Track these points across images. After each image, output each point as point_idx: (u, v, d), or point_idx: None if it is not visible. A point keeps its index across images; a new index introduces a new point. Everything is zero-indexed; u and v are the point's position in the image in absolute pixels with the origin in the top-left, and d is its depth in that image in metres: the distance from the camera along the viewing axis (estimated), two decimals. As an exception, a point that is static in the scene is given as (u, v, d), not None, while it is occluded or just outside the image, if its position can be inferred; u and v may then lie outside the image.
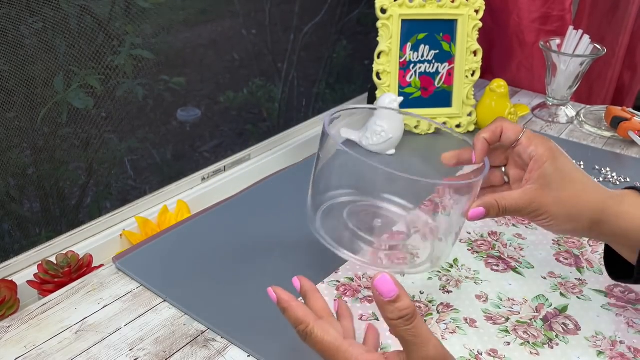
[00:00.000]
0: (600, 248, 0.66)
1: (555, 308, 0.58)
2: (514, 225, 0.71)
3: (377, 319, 0.55)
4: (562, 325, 0.56)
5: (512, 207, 0.49)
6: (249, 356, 0.52)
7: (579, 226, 0.50)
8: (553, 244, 0.68)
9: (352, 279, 0.60)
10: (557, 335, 0.54)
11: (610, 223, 0.49)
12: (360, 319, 0.55)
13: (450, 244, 0.51)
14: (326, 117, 0.56)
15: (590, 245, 0.67)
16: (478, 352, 0.52)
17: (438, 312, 0.56)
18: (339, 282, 0.60)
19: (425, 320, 0.55)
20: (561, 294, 0.60)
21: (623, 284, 0.61)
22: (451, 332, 0.54)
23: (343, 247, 0.51)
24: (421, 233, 0.56)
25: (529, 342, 0.53)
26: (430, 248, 0.53)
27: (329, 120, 0.55)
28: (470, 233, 0.69)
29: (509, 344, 0.53)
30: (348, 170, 0.53)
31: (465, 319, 0.55)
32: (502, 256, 0.65)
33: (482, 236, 0.69)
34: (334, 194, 0.56)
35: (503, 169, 0.54)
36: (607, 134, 0.95)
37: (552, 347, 0.53)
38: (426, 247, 0.54)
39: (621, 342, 0.54)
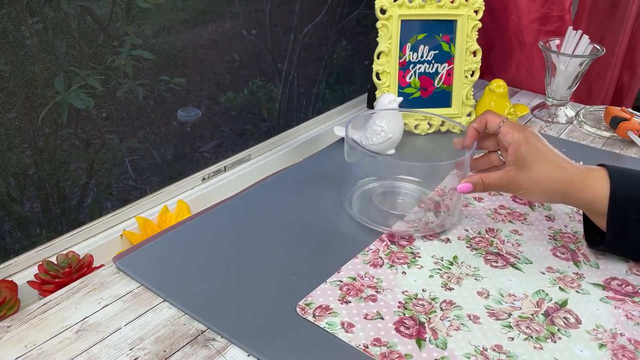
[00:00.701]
0: None
1: (555, 302, 0.58)
2: (510, 221, 0.71)
3: (382, 318, 0.55)
4: (564, 320, 0.56)
5: (494, 184, 0.62)
6: (249, 356, 0.52)
7: (552, 198, 0.61)
8: (549, 239, 0.68)
9: (354, 279, 0.60)
10: (559, 330, 0.55)
11: (577, 195, 0.60)
12: (365, 318, 0.55)
13: (455, 215, 0.71)
14: (346, 125, 0.72)
15: (585, 240, 0.68)
16: (483, 347, 0.52)
17: (441, 309, 0.57)
18: (341, 281, 0.60)
19: (429, 318, 0.55)
20: (560, 288, 0.60)
21: (619, 278, 0.62)
22: (455, 329, 0.54)
23: (380, 224, 0.69)
24: (433, 209, 0.72)
25: (532, 337, 0.54)
26: (440, 219, 0.71)
27: (349, 127, 0.72)
28: (467, 230, 0.69)
29: (512, 339, 0.53)
30: (371, 164, 0.76)
31: (469, 316, 0.56)
32: (501, 252, 0.65)
33: (479, 233, 0.69)
34: (362, 182, 0.76)
35: (499, 152, 0.66)
36: (607, 134, 0.96)
37: (554, 341, 0.53)
38: (437, 218, 0.71)
39: (621, 335, 0.55)
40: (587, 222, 0.65)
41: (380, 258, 0.64)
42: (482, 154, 0.69)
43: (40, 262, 0.66)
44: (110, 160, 0.85)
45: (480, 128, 0.65)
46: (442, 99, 0.94)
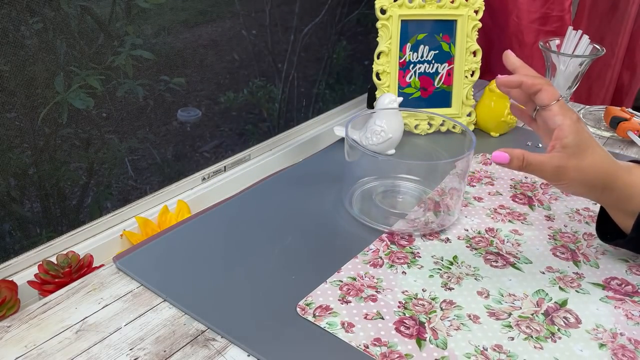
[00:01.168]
0: (595, 242, 0.68)
1: (555, 302, 0.58)
2: (510, 221, 0.71)
3: (382, 318, 0.55)
4: (564, 319, 0.56)
5: (537, 165, 0.54)
6: (248, 356, 0.52)
7: (592, 191, 0.57)
8: (549, 238, 0.68)
9: (354, 279, 0.60)
10: (559, 329, 0.55)
11: (619, 189, 0.56)
12: (365, 317, 0.55)
13: (455, 215, 0.70)
14: (346, 124, 0.72)
15: (584, 240, 0.68)
16: (483, 347, 0.52)
17: (441, 309, 0.57)
18: (342, 281, 0.60)
19: (429, 318, 0.55)
20: (560, 288, 0.60)
21: (619, 278, 0.62)
22: (455, 329, 0.54)
23: (380, 223, 0.69)
24: (433, 209, 0.72)
25: (532, 337, 0.54)
26: (440, 219, 0.71)
27: (349, 126, 0.72)
28: (467, 230, 0.69)
29: (513, 339, 0.53)
30: (371, 163, 0.76)
31: (469, 315, 0.56)
32: (500, 252, 0.66)
33: (479, 233, 0.69)
34: (362, 181, 0.76)
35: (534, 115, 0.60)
36: (607, 134, 0.96)
37: (555, 341, 0.53)
38: (437, 218, 0.71)
39: (621, 334, 0.55)
40: (601, 219, 0.64)
41: (380, 258, 0.64)
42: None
43: (40, 262, 0.66)
44: (110, 160, 0.85)
45: (527, 89, 0.57)
46: (442, 99, 0.94)
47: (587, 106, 1.05)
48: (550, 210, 0.74)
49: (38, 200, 0.77)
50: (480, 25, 0.91)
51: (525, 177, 0.83)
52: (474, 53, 0.92)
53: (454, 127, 0.92)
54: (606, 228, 0.63)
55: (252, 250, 0.65)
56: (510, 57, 0.60)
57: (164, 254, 0.64)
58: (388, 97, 0.82)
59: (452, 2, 0.89)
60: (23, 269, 0.70)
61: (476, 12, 0.90)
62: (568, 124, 0.55)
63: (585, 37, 0.96)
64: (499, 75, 0.58)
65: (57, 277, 0.65)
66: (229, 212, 0.73)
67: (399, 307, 0.57)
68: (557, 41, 1.00)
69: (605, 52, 0.95)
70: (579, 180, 0.55)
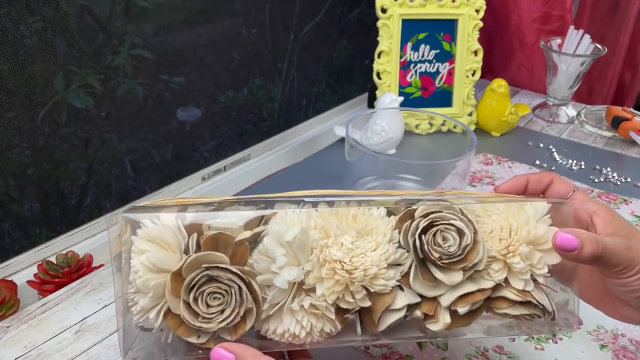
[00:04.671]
0: None
1: (556, 303, 0.58)
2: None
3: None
4: (564, 320, 0.56)
5: (610, 249, 0.40)
6: (249, 356, 0.51)
7: None
8: None
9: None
10: (560, 330, 0.55)
11: None
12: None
13: None
14: (347, 124, 0.70)
15: None
16: (484, 348, 0.52)
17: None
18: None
19: None
20: (561, 288, 0.60)
21: None
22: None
23: None
24: None
25: (533, 338, 0.53)
26: None
27: (349, 126, 0.70)
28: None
29: (514, 340, 0.53)
30: (372, 163, 0.72)
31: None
32: None
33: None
34: (362, 181, 0.73)
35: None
36: (608, 133, 0.95)
37: (556, 342, 0.53)
38: None
39: (622, 335, 0.54)
40: None
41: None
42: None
43: (40, 262, 0.66)
44: (110, 159, 0.85)
45: (533, 183, 0.47)
46: (443, 98, 0.94)
47: (589, 106, 1.05)
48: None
49: (37, 200, 0.77)
50: (481, 24, 0.90)
51: (526, 177, 0.82)
52: (475, 52, 0.92)
53: (454, 127, 0.91)
54: None
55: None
56: (500, 187, 0.48)
57: (164, 254, 0.64)
58: (389, 97, 0.82)
59: (453, 1, 0.89)
60: (22, 268, 0.70)
61: (477, 11, 0.90)
62: (604, 208, 0.44)
63: (587, 37, 0.96)
64: (497, 186, 0.47)
65: (56, 277, 0.64)
66: (229, 212, 0.72)
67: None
68: (559, 40, 0.99)
69: (606, 52, 0.95)
70: None
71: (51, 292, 0.60)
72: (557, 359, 0.51)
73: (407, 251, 0.39)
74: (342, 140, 0.90)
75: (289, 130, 1.07)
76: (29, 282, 0.64)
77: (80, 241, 0.76)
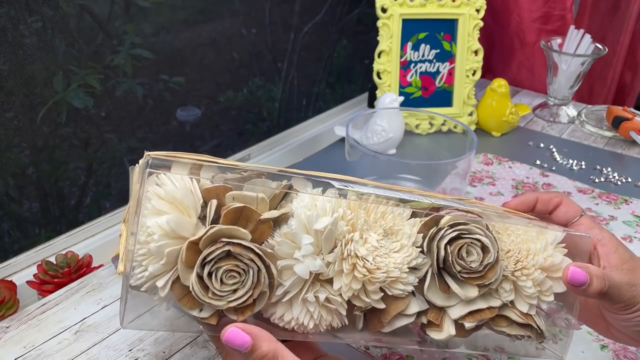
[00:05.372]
0: None
1: (557, 303, 0.58)
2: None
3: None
4: (565, 321, 0.56)
5: (615, 287, 0.40)
6: (249, 357, 0.51)
7: None
8: None
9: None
10: (560, 331, 0.54)
11: None
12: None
13: None
14: (347, 124, 0.70)
15: None
16: (485, 348, 0.52)
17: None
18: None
19: None
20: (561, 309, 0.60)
21: None
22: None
23: None
24: None
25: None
26: None
27: (349, 126, 0.70)
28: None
29: (514, 340, 0.53)
30: (372, 163, 0.70)
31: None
32: None
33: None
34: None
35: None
36: (609, 133, 0.95)
37: (556, 343, 0.53)
38: None
39: None
40: None
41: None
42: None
43: (40, 262, 0.66)
44: (110, 159, 0.84)
45: (542, 203, 0.46)
46: (443, 98, 0.94)
47: (589, 106, 1.05)
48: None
49: (37, 200, 0.77)
50: (481, 24, 0.90)
51: (527, 178, 0.82)
52: (476, 52, 0.91)
53: (455, 127, 0.91)
54: None
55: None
56: (508, 203, 0.47)
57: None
58: (389, 97, 0.82)
59: (454, 1, 0.89)
60: (22, 269, 0.70)
61: (477, 10, 0.90)
62: (609, 237, 0.43)
63: (587, 36, 0.96)
64: (506, 201, 0.47)
65: (56, 277, 0.64)
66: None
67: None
68: (559, 40, 0.99)
69: (607, 52, 0.95)
70: None
71: (51, 292, 0.60)
72: (557, 359, 0.51)
73: (426, 257, 0.38)
74: (342, 140, 0.90)
75: (289, 130, 1.06)
76: (28, 282, 0.64)
77: (79, 241, 0.76)
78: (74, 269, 0.65)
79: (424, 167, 0.76)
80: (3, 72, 0.67)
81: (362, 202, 0.38)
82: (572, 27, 0.98)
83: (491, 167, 0.85)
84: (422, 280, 0.38)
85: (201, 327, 0.38)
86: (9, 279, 0.67)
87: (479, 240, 0.37)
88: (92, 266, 0.68)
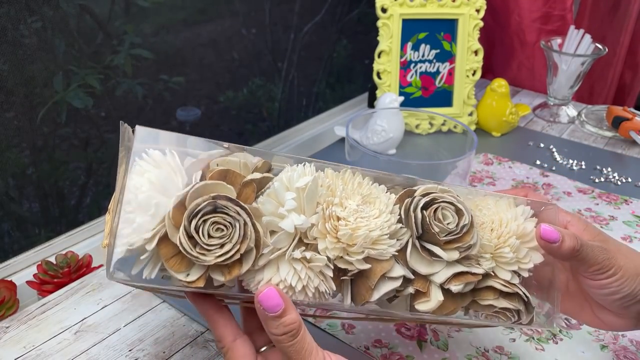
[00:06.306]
0: None
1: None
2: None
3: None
4: (565, 321, 0.56)
5: (588, 246, 0.41)
6: (249, 357, 0.51)
7: None
8: None
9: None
10: (560, 331, 0.54)
11: None
12: (366, 318, 0.55)
13: None
14: (347, 124, 0.69)
15: None
16: (484, 349, 0.52)
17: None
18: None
19: None
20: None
21: None
22: (457, 330, 0.54)
23: None
24: None
25: (533, 338, 0.53)
26: None
27: (349, 126, 0.69)
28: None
29: (514, 340, 0.53)
30: (372, 163, 0.69)
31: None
32: None
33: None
34: None
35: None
36: (609, 133, 0.95)
37: (556, 343, 0.53)
38: None
39: (623, 336, 0.54)
40: None
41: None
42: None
43: (39, 262, 0.66)
44: (109, 159, 0.84)
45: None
46: (444, 98, 0.94)
47: (589, 106, 1.05)
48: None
49: (37, 200, 0.77)
50: (481, 24, 0.90)
51: (527, 178, 0.82)
52: (476, 52, 0.91)
53: (455, 127, 0.91)
54: None
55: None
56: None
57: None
58: (389, 97, 0.82)
59: (454, 1, 0.89)
60: (22, 269, 0.70)
61: (477, 11, 0.90)
62: (577, 218, 0.44)
63: (587, 37, 0.96)
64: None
65: (56, 277, 0.64)
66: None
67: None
68: (559, 40, 0.99)
69: (607, 52, 0.95)
70: (632, 269, 0.42)
71: (51, 292, 0.60)
72: (557, 359, 0.51)
73: (405, 227, 0.40)
74: (342, 140, 0.90)
75: (289, 130, 1.06)
76: (28, 282, 0.64)
77: (79, 241, 0.76)
78: (74, 269, 0.65)
79: (424, 167, 0.76)
80: (3, 72, 0.67)
81: (339, 174, 0.40)
82: (572, 27, 0.98)
83: (491, 167, 0.85)
84: (404, 250, 0.39)
85: (189, 300, 0.38)
86: (9, 279, 0.67)
87: (452, 203, 0.39)
88: (92, 266, 0.68)
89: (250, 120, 1.09)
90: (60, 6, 0.71)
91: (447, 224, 0.39)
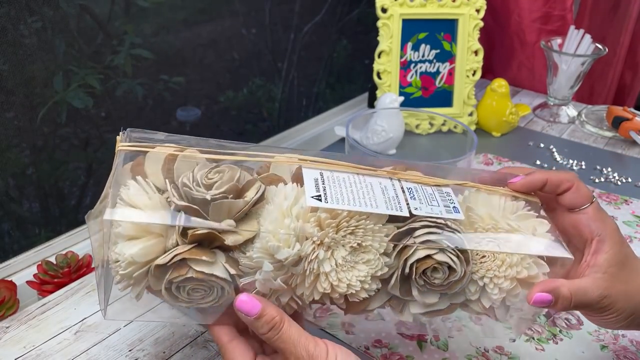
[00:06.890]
0: None
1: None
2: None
3: (383, 319, 0.55)
4: (565, 321, 0.56)
5: (584, 302, 0.41)
6: (249, 357, 0.51)
7: (637, 320, 0.43)
8: None
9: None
10: (560, 331, 0.54)
11: None
12: (366, 318, 0.55)
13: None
14: (347, 124, 0.69)
15: None
16: (485, 349, 0.52)
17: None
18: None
19: (430, 319, 0.55)
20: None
21: None
22: (457, 330, 0.54)
23: None
24: None
25: (533, 338, 0.53)
26: None
27: (350, 126, 0.69)
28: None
29: (514, 340, 0.53)
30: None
31: (470, 317, 0.55)
32: None
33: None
34: None
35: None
36: (609, 134, 0.95)
37: (556, 343, 0.53)
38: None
39: (623, 336, 0.54)
40: None
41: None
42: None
43: (39, 262, 0.66)
44: (109, 159, 0.84)
45: (551, 185, 0.45)
46: (444, 98, 0.94)
47: (589, 106, 1.05)
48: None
49: (37, 200, 0.77)
50: (482, 24, 0.90)
51: (527, 177, 0.82)
52: (476, 52, 0.91)
53: (455, 127, 0.91)
54: None
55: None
56: (515, 184, 0.45)
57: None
58: (389, 97, 0.82)
59: (454, 1, 0.89)
60: (22, 269, 0.70)
61: (478, 11, 0.90)
62: (609, 234, 0.43)
63: (588, 37, 0.96)
64: (512, 180, 0.44)
65: (56, 278, 0.64)
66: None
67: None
68: (559, 40, 0.99)
69: (607, 52, 0.95)
70: (628, 310, 0.42)
71: (51, 292, 0.60)
72: (557, 359, 0.51)
73: (394, 261, 0.40)
74: (342, 140, 0.90)
75: (289, 130, 1.06)
76: (28, 282, 0.64)
77: (79, 241, 0.75)
78: (74, 269, 0.65)
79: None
80: (3, 72, 0.67)
81: (333, 210, 0.38)
82: (572, 27, 0.98)
83: (491, 167, 0.85)
84: (388, 279, 0.40)
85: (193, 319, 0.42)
86: (9, 279, 0.67)
87: (446, 262, 0.38)
88: (92, 266, 0.68)
89: (251, 120, 1.09)
90: (60, 6, 0.71)
91: (434, 279, 0.39)
